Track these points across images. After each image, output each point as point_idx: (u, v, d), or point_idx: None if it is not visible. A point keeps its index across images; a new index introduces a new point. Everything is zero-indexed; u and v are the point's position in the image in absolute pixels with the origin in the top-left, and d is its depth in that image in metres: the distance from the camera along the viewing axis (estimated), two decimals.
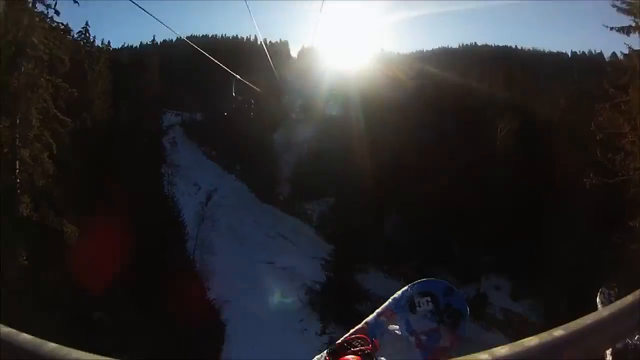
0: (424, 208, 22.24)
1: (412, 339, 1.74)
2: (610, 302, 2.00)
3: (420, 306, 1.79)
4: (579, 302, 13.67)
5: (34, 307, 11.38)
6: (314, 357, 1.62)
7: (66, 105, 14.18)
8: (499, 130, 22.12)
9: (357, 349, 1.56)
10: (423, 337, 1.73)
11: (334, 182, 26.24)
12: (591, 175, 13.97)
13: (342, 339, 1.67)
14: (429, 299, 1.80)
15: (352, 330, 1.76)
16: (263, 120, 27.28)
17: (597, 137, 14.21)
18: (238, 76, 8.50)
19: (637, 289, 0.73)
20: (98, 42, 26.85)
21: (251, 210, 27.02)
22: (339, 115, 27.54)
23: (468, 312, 1.82)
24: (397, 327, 1.77)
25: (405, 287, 1.87)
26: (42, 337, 0.72)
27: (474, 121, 22.80)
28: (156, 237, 18.07)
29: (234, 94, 9.26)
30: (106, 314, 15.14)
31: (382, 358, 1.61)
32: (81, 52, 20.16)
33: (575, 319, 0.69)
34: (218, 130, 30.55)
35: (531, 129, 22.42)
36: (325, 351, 1.62)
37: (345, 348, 1.58)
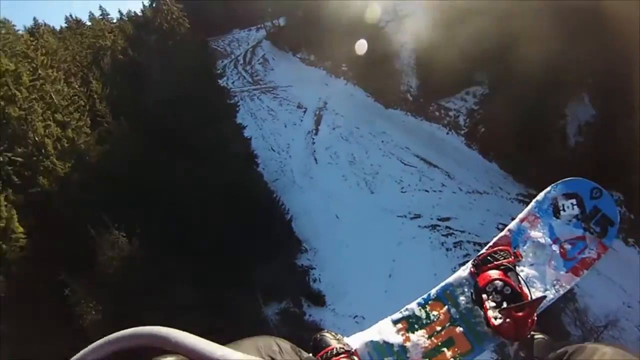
0: None
1: (556, 247, 1.60)
2: None
3: (564, 210, 1.62)
4: None
5: None
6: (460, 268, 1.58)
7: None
8: None
9: (499, 262, 1.50)
10: (568, 247, 1.59)
11: (482, 63, 17.33)
12: None
13: (484, 250, 1.59)
14: (574, 201, 1.63)
15: (495, 239, 1.64)
16: None
17: None
18: None
19: None
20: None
21: (374, 124, 21.08)
22: None
23: (619, 219, 1.61)
24: (541, 234, 1.63)
25: (548, 188, 1.69)
26: None
27: None
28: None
29: None
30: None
31: (524, 268, 1.54)
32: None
33: None
34: (309, 28, 23.57)
35: None
36: (470, 262, 1.58)
37: (488, 261, 1.53)
